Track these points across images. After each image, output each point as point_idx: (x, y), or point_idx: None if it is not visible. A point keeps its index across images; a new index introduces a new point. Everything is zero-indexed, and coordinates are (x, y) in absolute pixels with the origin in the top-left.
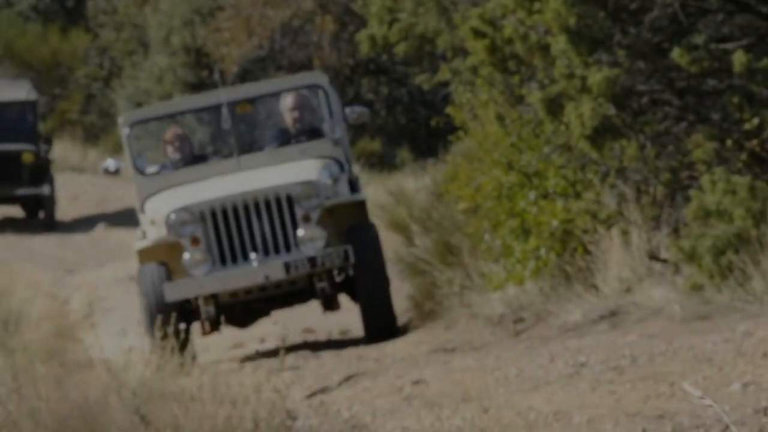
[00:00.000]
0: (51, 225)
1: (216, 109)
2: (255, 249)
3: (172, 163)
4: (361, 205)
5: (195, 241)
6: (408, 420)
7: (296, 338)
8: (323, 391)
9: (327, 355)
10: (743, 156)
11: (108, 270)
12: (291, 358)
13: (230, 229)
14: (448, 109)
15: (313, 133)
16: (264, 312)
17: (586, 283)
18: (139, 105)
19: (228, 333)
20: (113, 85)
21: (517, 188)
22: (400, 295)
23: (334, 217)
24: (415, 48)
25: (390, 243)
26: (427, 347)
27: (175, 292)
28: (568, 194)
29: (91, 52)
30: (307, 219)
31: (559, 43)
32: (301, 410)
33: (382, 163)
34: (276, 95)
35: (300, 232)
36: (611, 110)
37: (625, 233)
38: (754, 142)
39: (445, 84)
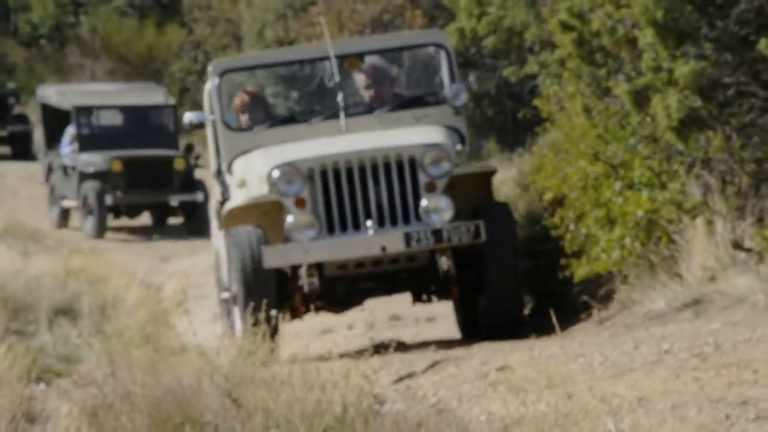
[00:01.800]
0: (202, 231)
1: (320, 62)
2: (370, 216)
3: (263, 121)
4: (488, 178)
5: (300, 202)
6: (493, 405)
7: (383, 325)
8: (410, 376)
9: (411, 335)
10: None
11: (200, 258)
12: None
13: (341, 192)
14: (536, 101)
15: (431, 98)
16: (369, 294)
17: (670, 271)
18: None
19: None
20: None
21: (602, 179)
22: None
23: (461, 188)
24: (504, 41)
25: None
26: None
27: (275, 258)
28: (653, 185)
29: (186, 46)
30: (431, 188)
31: (647, 37)
32: (388, 395)
33: (470, 154)
34: (390, 52)
35: (423, 201)
36: (697, 102)
37: (709, 223)
38: None
39: (533, 76)
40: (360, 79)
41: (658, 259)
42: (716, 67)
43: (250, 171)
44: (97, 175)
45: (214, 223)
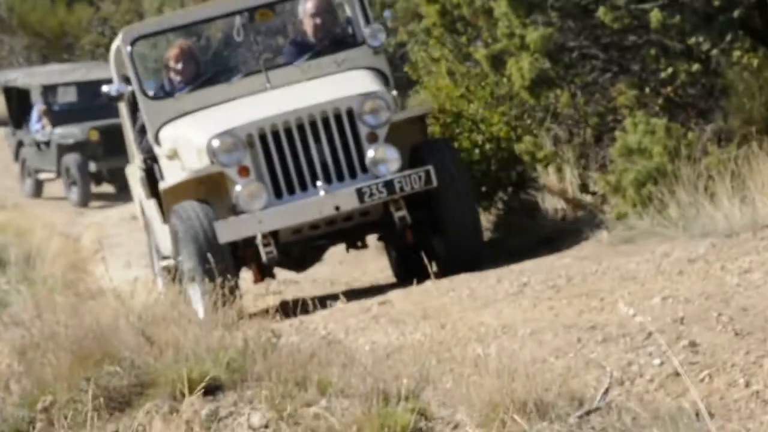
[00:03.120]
0: None
1: (230, 18)
2: (317, 176)
3: (182, 85)
4: (424, 120)
5: (243, 170)
6: (376, 335)
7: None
8: (303, 313)
9: (305, 282)
10: (660, 101)
11: (114, 211)
12: (274, 285)
13: (284, 155)
14: (406, 67)
15: (348, 41)
16: (323, 250)
17: (528, 213)
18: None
19: None
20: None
21: (466, 134)
22: None
23: (400, 135)
24: (376, 15)
25: None
26: (389, 273)
27: (229, 232)
28: (510, 138)
29: (94, 22)
30: (373, 138)
31: (501, 7)
32: (284, 330)
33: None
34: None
35: (370, 153)
36: (546, 64)
37: (559, 170)
38: (669, 89)
39: (403, 45)
40: (308, 6)
41: (518, 203)
42: (562, 33)
43: (182, 142)
44: (76, 146)
45: (138, 190)
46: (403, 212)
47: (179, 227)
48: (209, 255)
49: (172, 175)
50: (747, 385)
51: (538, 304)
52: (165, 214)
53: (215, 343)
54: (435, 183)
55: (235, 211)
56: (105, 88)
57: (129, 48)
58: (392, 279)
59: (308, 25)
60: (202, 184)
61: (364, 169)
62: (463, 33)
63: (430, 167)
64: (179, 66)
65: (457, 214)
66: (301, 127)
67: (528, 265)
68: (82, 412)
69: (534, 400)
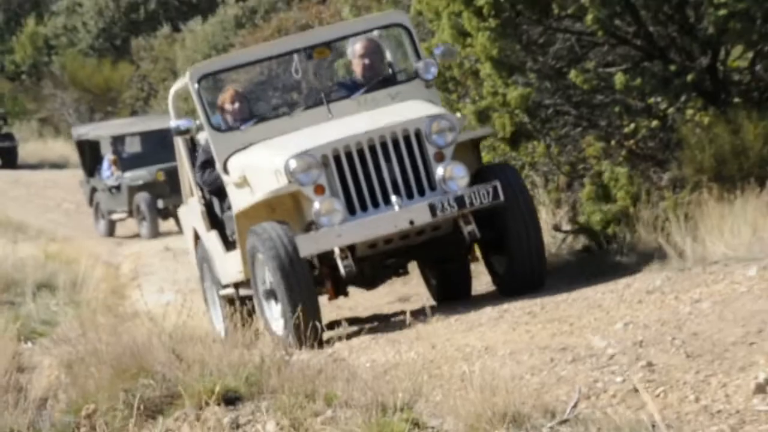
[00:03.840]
0: None
1: (289, 56)
2: (387, 193)
3: (246, 120)
4: (478, 142)
5: (319, 188)
6: (375, 354)
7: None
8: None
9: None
10: (623, 152)
11: (149, 244)
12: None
13: (356, 174)
14: None
15: (401, 76)
16: (398, 267)
17: None
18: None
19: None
20: (151, 103)
21: None
22: None
23: (465, 155)
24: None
25: None
26: (390, 298)
27: (310, 246)
28: None
29: (134, 79)
30: (440, 157)
31: (486, 69)
32: (295, 348)
33: None
34: (356, 36)
35: (439, 170)
36: (525, 119)
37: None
38: (631, 141)
39: None
40: (356, 48)
41: None
42: (539, 92)
43: (253, 168)
44: (144, 187)
45: (195, 225)
46: (472, 226)
47: (259, 246)
48: (291, 270)
49: (241, 201)
50: (697, 400)
51: (516, 327)
52: (228, 242)
53: (236, 359)
54: (502, 198)
55: (308, 229)
56: (173, 124)
57: (196, 85)
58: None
59: (357, 65)
60: (275, 206)
61: (432, 187)
62: (454, 91)
63: (497, 183)
64: (233, 107)
65: (522, 231)
66: (372, 148)
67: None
68: (119, 418)
69: (512, 412)
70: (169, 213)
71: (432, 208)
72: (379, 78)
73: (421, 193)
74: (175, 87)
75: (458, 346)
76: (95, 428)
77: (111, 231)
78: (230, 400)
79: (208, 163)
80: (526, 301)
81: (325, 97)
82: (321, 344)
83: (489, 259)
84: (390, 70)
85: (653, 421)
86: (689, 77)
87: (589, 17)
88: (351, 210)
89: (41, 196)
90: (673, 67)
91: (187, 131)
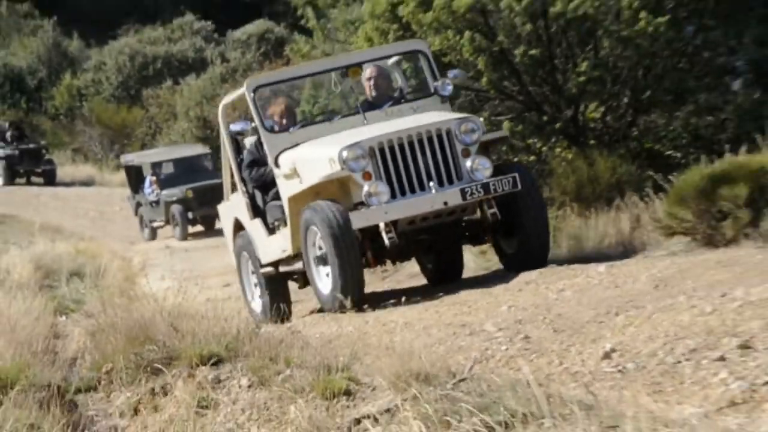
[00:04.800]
0: None
1: (329, 73)
2: (423, 179)
3: (293, 124)
4: (491, 144)
5: (366, 175)
6: (323, 328)
7: None
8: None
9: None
10: None
11: (154, 244)
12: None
13: (397, 163)
14: None
15: (421, 93)
16: (424, 244)
17: None
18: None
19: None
20: (157, 138)
21: None
22: None
23: (486, 152)
24: None
25: None
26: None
27: (362, 220)
28: None
29: (144, 120)
30: (467, 153)
31: None
32: (262, 323)
33: None
34: (381, 60)
35: (467, 162)
36: None
37: None
38: None
39: None
40: (365, 73)
41: None
42: None
43: (303, 161)
44: (178, 201)
45: (239, 215)
46: (494, 209)
47: (315, 219)
48: (342, 238)
49: (290, 189)
50: (560, 364)
51: (429, 309)
52: (269, 228)
53: (218, 331)
54: (520, 186)
55: (355, 209)
56: (233, 126)
57: (252, 94)
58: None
59: (366, 86)
60: (320, 191)
61: (459, 177)
62: None
63: (516, 174)
64: (282, 120)
65: (535, 216)
66: (411, 143)
67: (422, 283)
68: (131, 374)
69: (424, 373)
70: (197, 221)
71: (462, 192)
72: (388, 97)
73: (450, 181)
74: (224, 101)
75: (385, 321)
76: (113, 381)
77: (153, 236)
78: (214, 361)
79: (255, 163)
80: (432, 291)
81: (360, 107)
82: (363, 301)
83: (497, 241)
84: (399, 92)
85: (527, 380)
86: (558, 125)
87: (485, 79)
88: (393, 194)
89: (73, 207)
90: (546, 117)
91: (242, 133)
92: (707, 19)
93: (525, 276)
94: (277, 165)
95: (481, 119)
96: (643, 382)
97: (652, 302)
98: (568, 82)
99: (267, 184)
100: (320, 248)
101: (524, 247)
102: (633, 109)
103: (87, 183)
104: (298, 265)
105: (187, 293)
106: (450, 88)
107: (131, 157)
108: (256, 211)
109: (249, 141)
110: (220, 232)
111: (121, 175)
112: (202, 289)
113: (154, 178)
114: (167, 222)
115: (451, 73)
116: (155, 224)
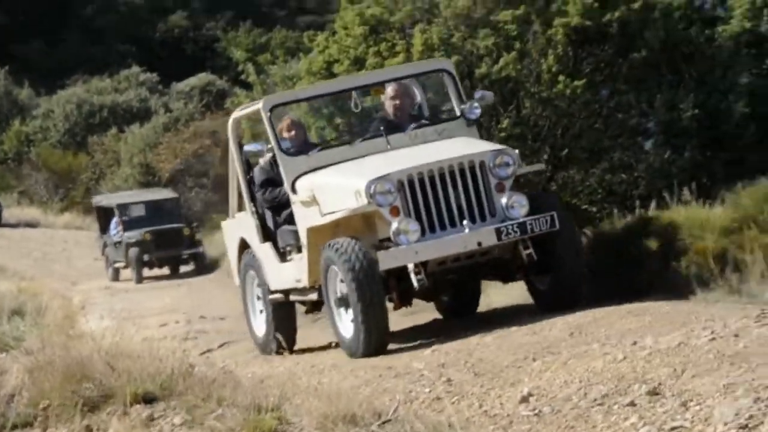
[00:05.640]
0: (203, 271)
1: (348, 93)
2: (454, 216)
3: (295, 149)
4: (522, 177)
5: (394, 210)
6: (255, 368)
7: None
8: (210, 351)
9: (212, 329)
10: None
11: (95, 283)
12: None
13: (427, 198)
14: None
15: (446, 115)
16: (453, 283)
17: None
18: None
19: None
20: (101, 183)
21: None
22: None
23: (521, 186)
24: None
25: None
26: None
27: (390, 261)
28: None
29: (89, 165)
30: (501, 188)
31: None
32: (197, 362)
33: None
34: (406, 78)
35: (503, 199)
36: None
37: None
38: None
39: None
40: (388, 91)
41: None
42: None
43: (326, 189)
44: (136, 243)
45: (248, 236)
46: (530, 250)
47: (335, 259)
48: (365, 282)
49: (307, 218)
50: (480, 406)
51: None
52: (281, 252)
53: (153, 370)
54: (557, 226)
55: (380, 246)
56: (247, 147)
57: (268, 113)
58: None
59: (389, 106)
60: (341, 223)
61: (492, 214)
62: None
63: (555, 213)
64: (291, 134)
65: (571, 255)
66: (442, 176)
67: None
68: (68, 411)
69: (350, 414)
70: (153, 264)
71: (498, 232)
72: (411, 117)
73: (483, 218)
74: (235, 114)
75: (314, 363)
76: (49, 417)
77: (116, 276)
78: (149, 400)
79: (269, 182)
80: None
81: (384, 130)
82: (385, 350)
83: (529, 277)
84: (418, 109)
85: (450, 421)
86: None
87: None
88: (422, 231)
89: (17, 247)
90: None
91: (258, 154)
92: (621, 84)
93: (448, 322)
94: (293, 190)
95: (517, 151)
96: (558, 425)
97: (567, 349)
98: (492, 138)
99: (280, 206)
100: (341, 290)
101: (559, 284)
102: (552, 165)
103: (32, 224)
104: (312, 296)
105: (125, 333)
106: (478, 111)
107: (100, 198)
108: (266, 234)
109: (262, 159)
110: (183, 275)
111: (65, 218)
112: (139, 328)
113: (119, 219)
114: (127, 264)
115: (477, 94)
116: (117, 264)
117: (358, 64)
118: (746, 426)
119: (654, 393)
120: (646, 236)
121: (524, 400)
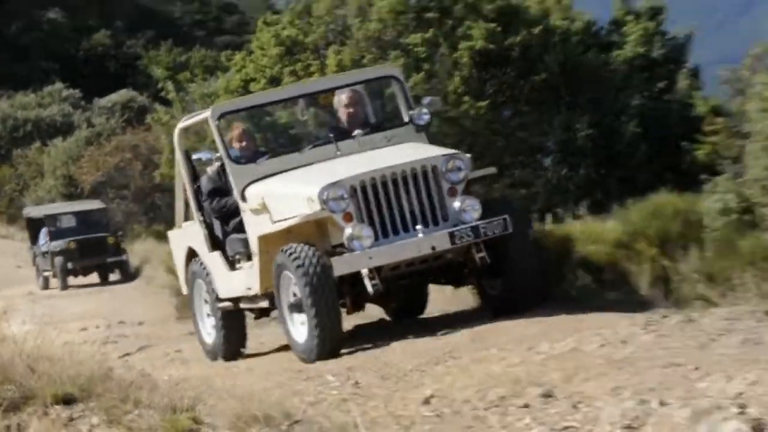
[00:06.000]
0: (128, 279)
1: (297, 100)
2: (406, 221)
3: (245, 158)
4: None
5: (347, 216)
6: (172, 371)
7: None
8: (128, 354)
9: (131, 334)
10: None
11: (18, 289)
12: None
13: (380, 203)
14: None
15: (395, 121)
16: (405, 287)
17: None
18: (39, 204)
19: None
20: (25, 194)
21: None
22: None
23: (472, 190)
24: None
25: None
26: (186, 330)
27: (344, 266)
28: None
29: (13, 177)
30: (453, 192)
31: None
32: (116, 365)
33: None
34: (354, 85)
35: (456, 203)
36: None
37: None
38: None
39: None
40: (342, 98)
41: None
42: None
43: (278, 195)
44: (60, 252)
45: (195, 245)
46: (483, 253)
47: (288, 264)
48: (321, 288)
49: (258, 226)
50: (386, 407)
51: (270, 355)
52: (230, 261)
53: (73, 372)
54: (510, 229)
55: (332, 252)
56: (195, 155)
57: (216, 122)
58: None
59: (343, 113)
60: (292, 230)
61: (444, 218)
62: None
63: (507, 217)
64: (241, 144)
65: (523, 258)
66: (395, 181)
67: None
68: None
69: (262, 415)
70: (78, 272)
71: (452, 236)
72: (364, 124)
73: (436, 222)
74: (181, 124)
75: (228, 366)
76: None
77: (46, 285)
78: (68, 401)
79: (217, 192)
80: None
81: (333, 137)
82: (339, 354)
83: (481, 282)
84: (373, 118)
85: (356, 421)
86: None
87: None
88: (382, 234)
89: None
90: None
91: (208, 162)
92: (522, 105)
93: (360, 331)
94: (243, 198)
95: (468, 155)
96: (458, 425)
97: (468, 353)
98: None
99: (228, 215)
100: (294, 294)
101: (510, 287)
102: None
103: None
104: (262, 303)
105: (46, 337)
106: (427, 117)
107: (30, 209)
108: (215, 243)
109: (210, 168)
110: (112, 283)
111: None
112: (60, 333)
113: (47, 229)
114: (54, 272)
115: (425, 100)
116: (46, 273)
117: (275, 82)
118: (630, 426)
119: (547, 395)
120: (543, 249)
121: (426, 401)
